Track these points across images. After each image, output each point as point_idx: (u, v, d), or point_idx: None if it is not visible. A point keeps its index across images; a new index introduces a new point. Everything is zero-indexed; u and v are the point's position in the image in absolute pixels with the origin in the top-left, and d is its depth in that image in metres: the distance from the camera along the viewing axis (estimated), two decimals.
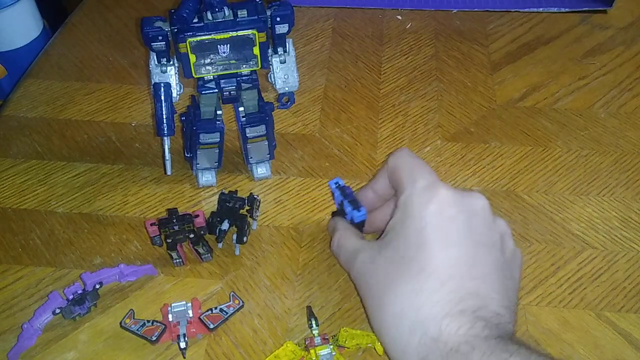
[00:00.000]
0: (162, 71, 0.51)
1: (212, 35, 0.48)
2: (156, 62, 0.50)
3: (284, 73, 0.52)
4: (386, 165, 0.47)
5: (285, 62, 0.52)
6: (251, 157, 0.58)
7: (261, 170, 0.59)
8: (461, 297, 0.39)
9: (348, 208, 0.49)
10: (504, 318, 0.40)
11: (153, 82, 0.51)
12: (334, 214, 0.53)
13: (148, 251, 0.54)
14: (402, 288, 0.41)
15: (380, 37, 0.77)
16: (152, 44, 0.49)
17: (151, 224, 0.49)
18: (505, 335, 0.38)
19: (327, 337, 0.46)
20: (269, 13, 0.49)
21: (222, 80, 0.51)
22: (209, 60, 0.49)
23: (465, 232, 0.42)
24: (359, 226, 0.50)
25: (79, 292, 0.48)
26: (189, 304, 0.47)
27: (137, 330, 0.46)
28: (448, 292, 0.39)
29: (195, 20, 0.48)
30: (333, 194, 0.51)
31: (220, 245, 0.53)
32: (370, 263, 0.43)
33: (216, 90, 0.51)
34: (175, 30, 0.48)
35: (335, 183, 0.51)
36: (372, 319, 0.44)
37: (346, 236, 0.48)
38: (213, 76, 0.51)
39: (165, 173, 0.54)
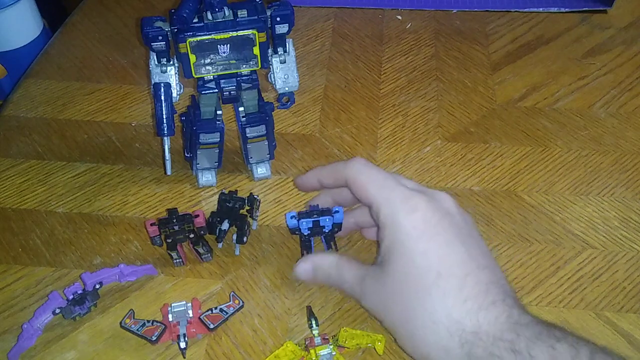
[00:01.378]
0: (162, 71, 0.51)
1: (212, 35, 0.48)
2: (156, 62, 0.50)
3: (284, 73, 0.52)
4: (339, 170, 0.48)
5: (285, 62, 0.52)
6: (251, 157, 0.58)
7: (261, 170, 0.59)
8: (486, 289, 0.40)
9: (327, 219, 0.49)
10: (519, 301, 0.41)
11: (153, 82, 0.51)
12: (303, 247, 0.51)
13: (148, 251, 0.54)
14: (427, 297, 0.41)
15: (380, 37, 0.77)
16: (152, 44, 0.49)
17: (151, 224, 0.49)
18: (541, 320, 0.40)
19: (327, 337, 0.46)
20: (269, 13, 0.49)
21: (222, 80, 0.51)
22: (209, 60, 0.49)
23: (455, 230, 0.43)
24: (340, 225, 0.50)
25: (79, 292, 0.48)
26: (189, 304, 0.47)
27: (137, 330, 0.46)
28: (472, 287, 0.40)
29: (195, 20, 0.48)
30: (298, 229, 0.49)
31: (220, 245, 0.53)
32: (381, 286, 0.44)
33: (216, 90, 0.51)
34: (175, 30, 0.48)
35: (292, 217, 0.49)
36: (401, 335, 0.43)
37: (343, 267, 0.47)
38: (213, 76, 0.51)
39: (165, 173, 0.54)
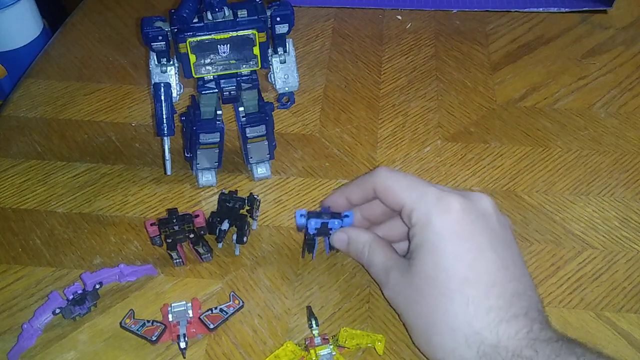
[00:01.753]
0: (162, 71, 0.51)
1: (212, 35, 0.48)
2: (156, 62, 0.50)
3: (284, 73, 0.52)
4: (365, 181, 0.47)
5: (285, 62, 0.52)
6: (251, 157, 0.58)
7: (261, 170, 0.59)
8: (510, 302, 0.40)
9: (335, 222, 0.49)
10: (544, 313, 0.41)
11: (153, 82, 0.51)
12: (306, 244, 0.51)
13: (148, 251, 0.54)
14: (450, 302, 0.40)
15: (380, 37, 0.77)
16: (152, 44, 0.49)
17: (151, 224, 0.49)
18: (562, 335, 0.39)
19: (327, 337, 0.46)
20: (269, 13, 0.49)
21: (222, 80, 0.51)
22: (209, 60, 0.49)
23: (490, 235, 0.42)
24: None
25: (79, 292, 0.48)
26: (189, 304, 0.47)
27: (137, 330, 0.46)
28: (497, 298, 0.40)
29: (195, 20, 0.48)
30: (306, 228, 0.49)
31: (220, 245, 0.53)
32: (406, 282, 0.43)
33: (216, 90, 0.51)
34: (175, 30, 0.48)
35: (302, 215, 0.48)
36: (418, 335, 0.43)
37: (375, 250, 0.47)
38: (213, 76, 0.51)
39: (165, 173, 0.54)
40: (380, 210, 0.49)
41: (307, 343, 0.45)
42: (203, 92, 0.51)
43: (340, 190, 0.50)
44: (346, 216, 0.49)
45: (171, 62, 0.51)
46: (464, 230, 0.42)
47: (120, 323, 0.47)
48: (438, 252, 0.41)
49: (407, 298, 0.43)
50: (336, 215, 0.49)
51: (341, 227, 0.49)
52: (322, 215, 0.49)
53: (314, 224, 0.48)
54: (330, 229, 0.49)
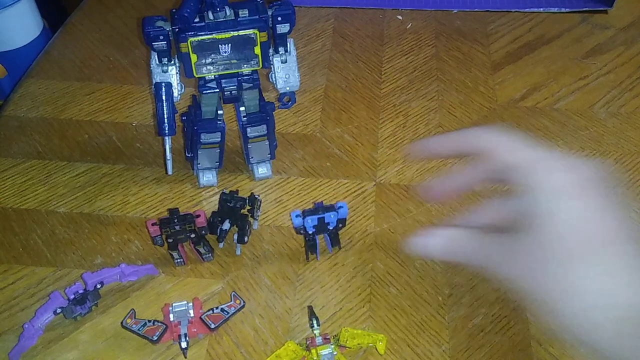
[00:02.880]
0: (163, 71, 0.51)
1: (214, 34, 0.48)
2: (157, 62, 0.50)
3: (285, 73, 0.52)
4: (469, 136, 0.44)
5: (286, 61, 0.52)
6: (252, 157, 0.58)
7: (262, 170, 0.59)
8: (631, 264, 0.37)
9: (331, 215, 0.49)
10: None
11: (154, 82, 0.51)
12: (308, 247, 0.51)
13: (149, 251, 0.54)
14: (575, 265, 0.38)
15: (381, 37, 0.77)
16: (154, 43, 0.49)
17: (152, 224, 0.49)
18: None
19: (328, 337, 0.46)
20: (270, 13, 0.49)
21: (223, 80, 0.51)
22: (210, 59, 0.49)
23: (598, 199, 0.40)
24: (344, 221, 0.50)
25: (80, 292, 0.48)
26: (190, 304, 0.47)
27: (138, 330, 0.46)
28: (620, 260, 0.38)
29: (197, 19, 0.48)
30: (304, 228, 0.49)
31: (221, 245, 0.53)
32: (518, 254, 0.40)
33: (217, 90, 0.51)
34: (177, 29, 0.48)
35: (297, 215, 0.49)
36: (544, 304, 0.39)
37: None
38: (214, 76, 0.51)
39: (166, 173, 0.54)
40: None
41: (308, 343, 0.45)
42: (204, 91, 0.51)
43: (443, 137, 0.46)
44: (340, 207, 0.49)
45: (172, 62, 0.51)
46: (574, 191, 0.40)
47: (122, 323, 0.47)
48: (550, 214, 0.39)
49: (523, 269, 0.40)
50: (330, 207, 0.49)
51: (337, 219, 0.49)
52: (317, 210, 0.49)
53: (310, 221, 0.49)
54: (328, 223, 0.49)
